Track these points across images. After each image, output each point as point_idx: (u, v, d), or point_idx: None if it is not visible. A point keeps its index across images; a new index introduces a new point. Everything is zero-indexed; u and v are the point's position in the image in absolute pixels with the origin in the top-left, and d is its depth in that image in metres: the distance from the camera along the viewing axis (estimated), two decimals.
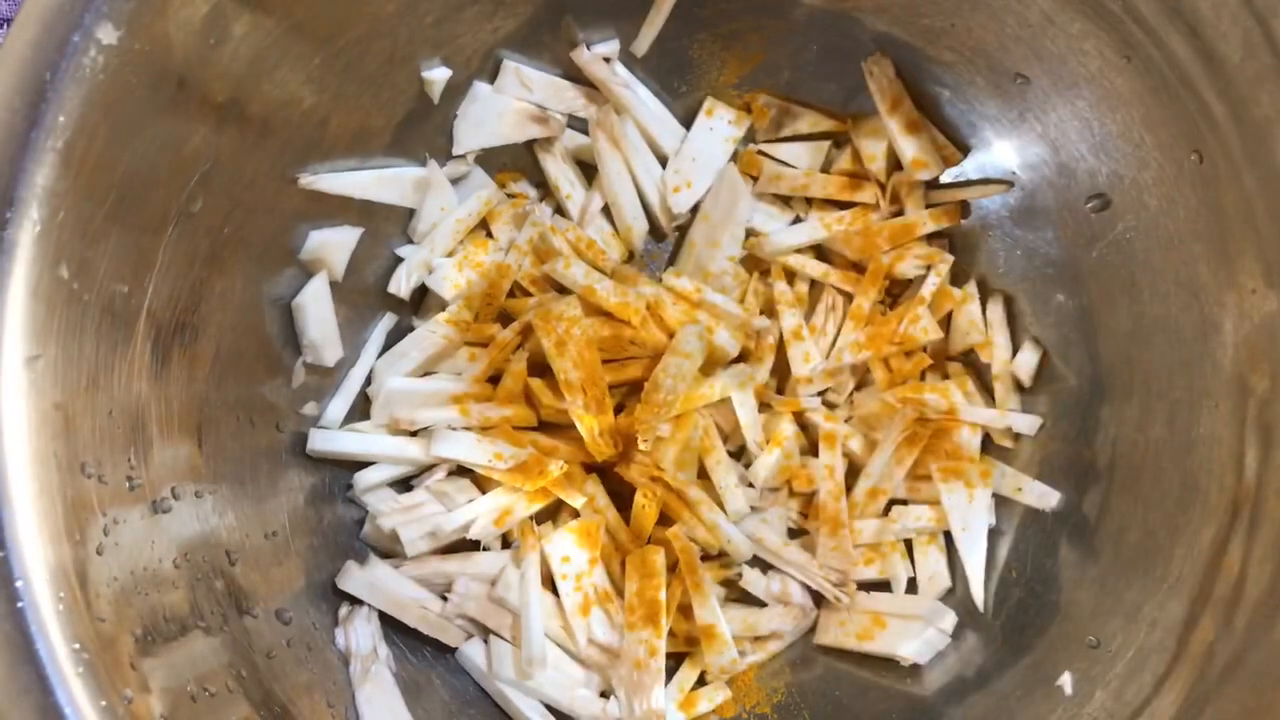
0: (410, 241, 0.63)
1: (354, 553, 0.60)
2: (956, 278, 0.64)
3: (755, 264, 0.66)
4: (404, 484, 0.62)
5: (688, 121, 0.65)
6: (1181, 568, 0.50)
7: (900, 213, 0.65)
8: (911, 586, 0.63)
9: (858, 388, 0.66)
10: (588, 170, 0.66)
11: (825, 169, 0.66)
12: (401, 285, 0.62)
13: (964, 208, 0.64)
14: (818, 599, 0.63)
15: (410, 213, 0.62)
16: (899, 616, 0.61)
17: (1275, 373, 0.46)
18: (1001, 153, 0.60)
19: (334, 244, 0.58)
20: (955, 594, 0.62)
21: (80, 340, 0.42)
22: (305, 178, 0.55)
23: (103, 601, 0.41)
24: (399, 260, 0.63)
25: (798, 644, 0.63)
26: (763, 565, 0.63)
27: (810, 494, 0.64)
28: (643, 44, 0.62)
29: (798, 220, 0.67)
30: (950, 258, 0.63)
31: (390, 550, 0.61)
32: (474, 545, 0.60)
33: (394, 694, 0.56)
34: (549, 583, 0.59)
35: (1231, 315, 0.48)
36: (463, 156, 0.63)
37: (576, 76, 0.63)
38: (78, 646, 0.39)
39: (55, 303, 0.41)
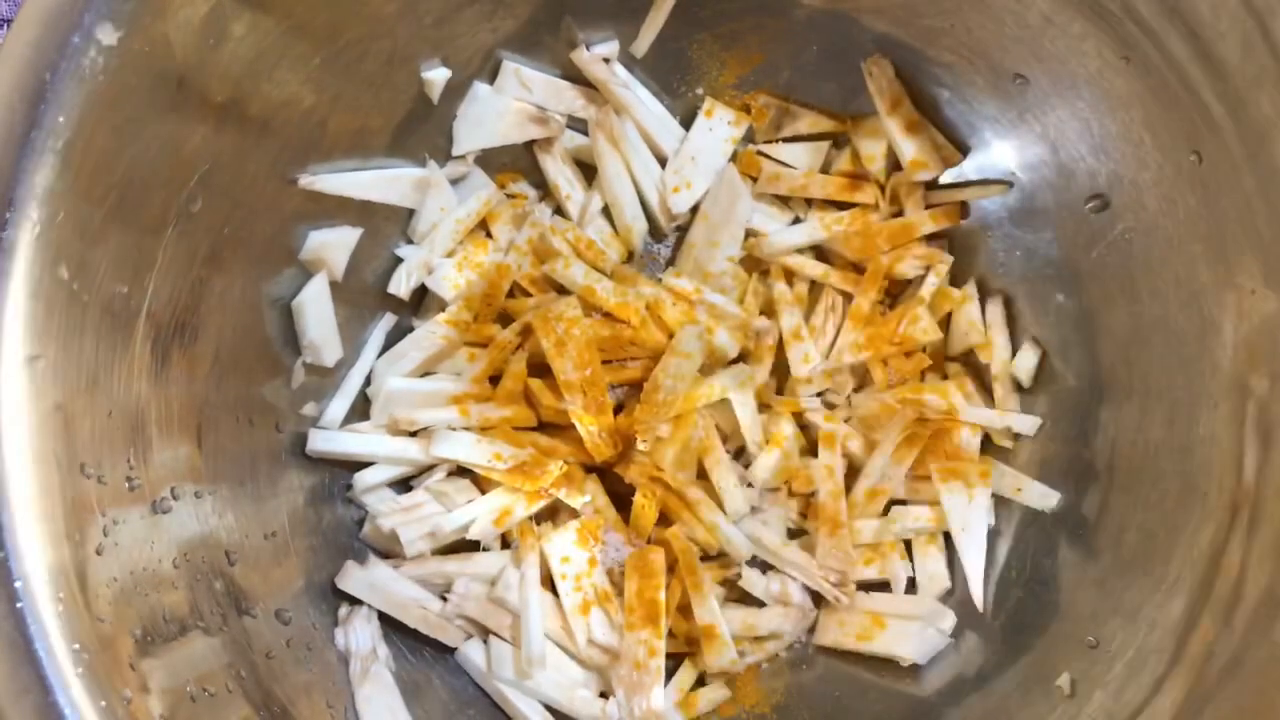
0: (410, 242, 0.63)
1: (354, 553, 0.60)
2: (956, 278, 0.64)
3: (755, 264, 0.66)
4: (404, 484, 0.62)
5: (687, 122, 0.65)
6: (1181, 568, 0.50)
7: (900, 213, 0.64)
8: (911, 586, 0.63)
9: (857, 388, 0.66)
10: (587, 171, 0.66)
11: (825, 169, 0.66)
12: (401, 285, 0.62)
13: (963, 208, 0.64)
14: (817, 599, 0.63)
15: (410, 213, 0.62)
16: (899, 617, 0.61)
17: (1275, 373, 0.46)
18: (1001, 153, 0.60)
19: (334, 244, 0.58)
20: (955, 594, 0.62)
21: (80, 340, 0.43)
22: (305, 178, 0.55)
23: (102, 602, 0.41)
24: (399, 260, 0.63)
25: (797, 644, 0.63)
26: (762, 565, 0.63)
27: (810, 494, 0.64)
28: (642, 44, 0.62)
29: (797, 221, 0.67)
30: (949, 258, 0.64)
31: (390, 550, 0.61)
32: (474, 545, 0.60)
33: (394, 694, 0.56)
34: (548, 583, 0.59)
35: (1231, 316, 0.48)
36: (462, 157, 0.63)
37: (576, 77, 0.63)
38: (77, 647, 0.39)
39: (55, 303, 0.41)
